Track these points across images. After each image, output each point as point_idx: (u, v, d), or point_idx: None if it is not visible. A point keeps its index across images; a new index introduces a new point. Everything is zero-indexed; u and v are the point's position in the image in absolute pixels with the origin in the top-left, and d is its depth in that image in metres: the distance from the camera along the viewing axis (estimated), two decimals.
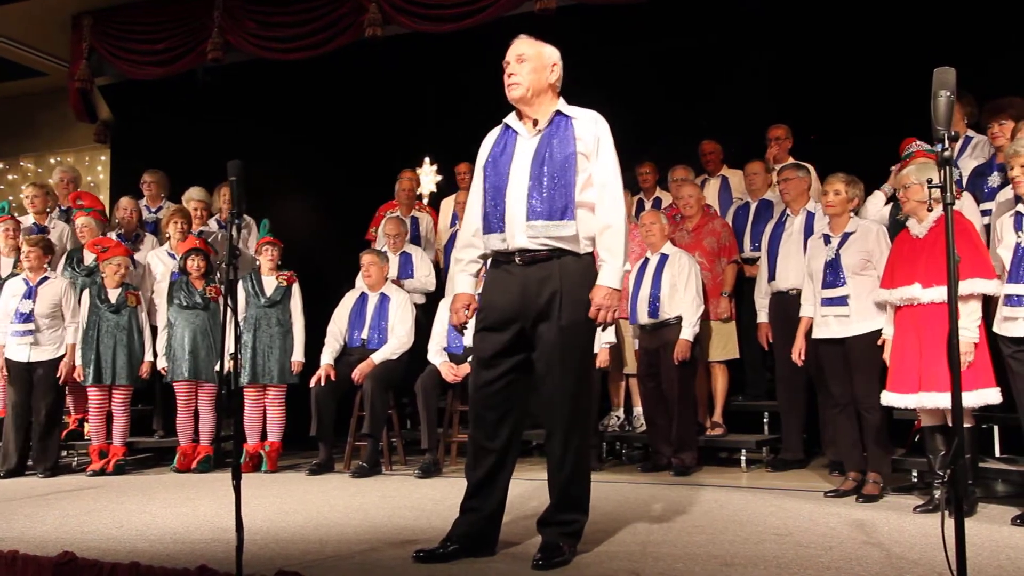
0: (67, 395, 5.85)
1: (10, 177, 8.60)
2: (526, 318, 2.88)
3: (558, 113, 2.94)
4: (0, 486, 5.02)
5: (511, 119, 3.02)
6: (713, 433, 5.30)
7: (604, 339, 5.26)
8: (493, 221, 2.92)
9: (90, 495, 4.57)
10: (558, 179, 2.83)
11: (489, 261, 3.06)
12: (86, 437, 5.98)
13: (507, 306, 2.90)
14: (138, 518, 3.83)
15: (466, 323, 3.04)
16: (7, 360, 5.42)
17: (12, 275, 5.68)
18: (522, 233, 2.86)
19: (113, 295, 5.52)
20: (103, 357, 5.43)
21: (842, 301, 4.09)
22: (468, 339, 5.09)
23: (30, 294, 5.41)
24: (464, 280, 3.08)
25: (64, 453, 5.82)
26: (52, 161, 8.24)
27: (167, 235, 6.04)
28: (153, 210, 6.63)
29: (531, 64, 2.91)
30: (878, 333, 3.97)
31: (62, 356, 5.47)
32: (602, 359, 5.25)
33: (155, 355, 5.59)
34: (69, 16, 7.09)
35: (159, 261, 6.01)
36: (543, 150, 2.88)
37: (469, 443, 3.03)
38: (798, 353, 4.33)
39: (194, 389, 5.53)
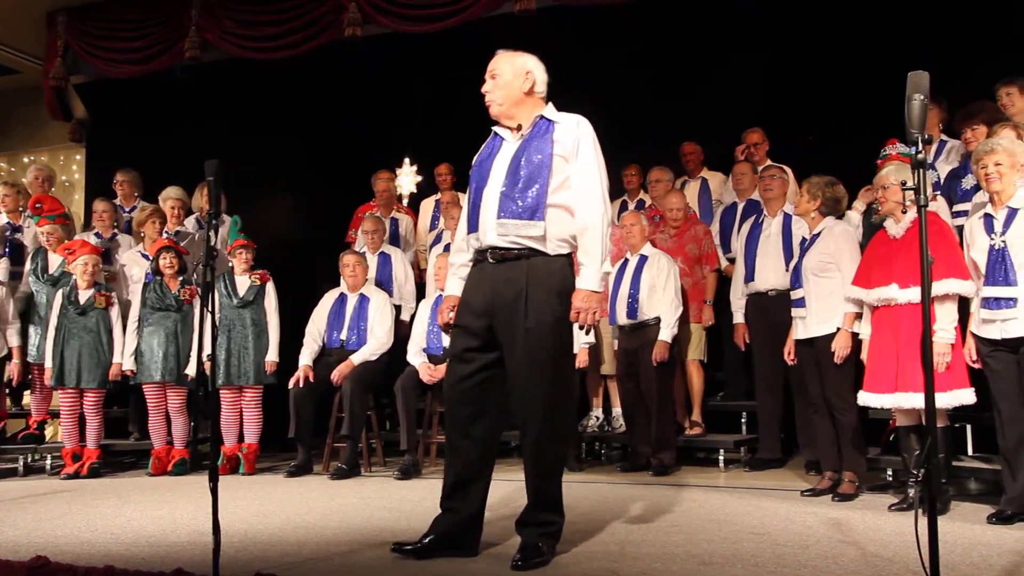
0: (31, 398, 5.77)
1: None
2: (494, 317, 2.92)
3: (541, 118, 2.98)
4: None
5: (498, 127, 3.08)
6: (692, 432, 5.33)
7: (583, 340, 5.28)
8: (473, 220, 3.00)
9: (64, 498, 4.51)
10: (532, 180, 2.87)
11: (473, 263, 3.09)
12: (48, 441, 5.91)
13: (478, 304, 2.95)
14: (113, 521, 3.79)
15: (450, 324, 3.08)
16: None
17: None
18: (492, 231, 2.91)
19: (83, 296, 5.44)
20: (68, 359, 5.36)
21: (801, 303, 4.20)
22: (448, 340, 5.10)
23: None
24: (453, 283, 3.14)
25: (30, 457, 5.74)
26: (26, 160, 8.14)
27: (141, 235, 5.97)
28: (127, 210, 6.55)
29: (502, 79, 2.99)
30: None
31: (4, 357, 5.40)
32: (581, 360, 5.28)
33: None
34: (44, 13, 7.01)
35: (134, 262, 5.94)
36: (521, 152, 2.93)
37: (445, 441, 3.05)
38: (788, 353, 4.37)
39: (164, 392, 5.47)
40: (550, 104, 3.05)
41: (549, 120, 2.97)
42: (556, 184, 2.89)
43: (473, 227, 2.99)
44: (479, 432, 2.94)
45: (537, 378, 2.85)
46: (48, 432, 6.18)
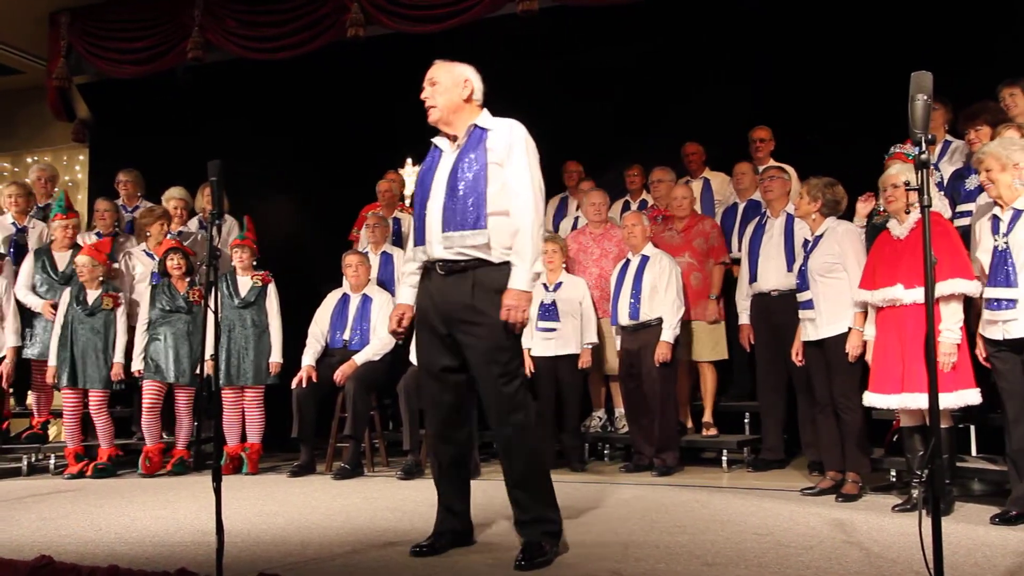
0: (34, 397, 5.77)
1: None
2: (448, 325, 2.98)
3: (476, 126, 3.04)
4: None
5: (438, 138, 3.15)
6: (709, 434, 5.33)
7: (586, 340, 5.28)
8: (419, 234, 3.06)
9: (67, 498, 4.52)
10: (470, 191, 2.94)
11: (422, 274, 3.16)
12: (51, 441, 5.92)
13: (432, 314, 3.02)
14: (117, 521, 3.79)
15: (401, 332, 3.17)
16: None
17: None
18: (439, 244, 2.97)
19: (91, 296, 5.45)
20: (76, 359, 5.36)
21: (809, 304, 4.19)
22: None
23: None
24: (403, 292, 3.23)
25: (34, 457, 5.74)
26: (29, 160, 8.15)
27: (147, 234, 5.97)
28: (130, 210, 6.55)
29: (442, 86, 3.05)
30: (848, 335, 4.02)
31: (1, 358, 5.36)
32: (584, 360, 5.28)
33: (129, 357, 5.49)
34: (46, 13, 7.02)
35: (138, 261, 5.94)
36: (458, 165, 2.99)
37: (430, 448, 3.21)
38: (795, 354, 4.37)
39: (164, 391, 5.45)
40: (485, 111, 3.10)
41: (483, 128, 3.03)
42: (494, 191, 2.95)
43: (419, 240, 3.06)
44: (458, 434, 3.08)
45: (495, 382, 2.92)
46: (52, 432, 6.19)
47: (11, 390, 5.91)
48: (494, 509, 3.66)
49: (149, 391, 5.43)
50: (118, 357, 5.44)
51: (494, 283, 2.93)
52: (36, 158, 8.05)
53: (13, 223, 6.12)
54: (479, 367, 2.95)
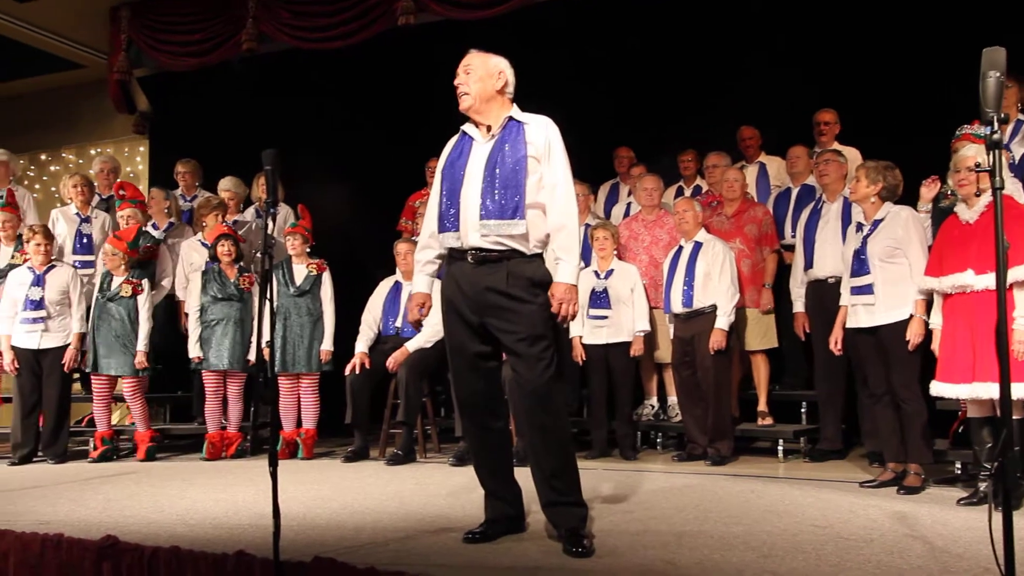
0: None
1: (52, 168, 8.79)
2: (480, 313, 2.97)
3: (510, 119, 3.02)
4: (45, 471, 5.16)
5: (467, 126, 3.12)
6: (764, 423, 5.25)
7: (638, 327, 5.23)
8: (448, 221, 3.03)
9: (131, 479, 4.66)
10: (509, 181, 2.92)
11: (446, 260, 3.14)
12: (115, 424, 6.10)
13: (461, 303, 3.00)
14: (178, 503, 3.90)
15: (421, 320, 3.20)
16: (15, 348, 5.45)
17: (12, 266, 5.73)
18: (475, 232, 2.95)
19: (115, 283, 5.52)
20: (99, 346, 5.45)
21: (868, 290, 4.05)
22: None
23: (39, 282, 5.44)
24: (421, 280, 3.23)
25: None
26: (92, 152, 8.39)
27: (204, 224, 6.09)
28: (188, 199, 6.70)
29: (477, 74, 3.02)
30: (907, 322, 3.90)
31: (69, 344, 5.51)
32: (636, 348, 5.23)
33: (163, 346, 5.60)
34: (107, 8, 7.21)
35: (192, 250, 6.07)
36: (496, 154, 2.97)
37: (467, 435, 3.20)
38: (835, 342, 4.26)
39: (222, 378, 5.57)
40: (515, 105, 3.08)
41: (519, 122, 3.01)
42: (532, 185, 2.94)
43: (448, 227, 3.01)
44: (495, 421, 3.08)
45: (526, 371, 2.90)
46: (115, 416, 6.39)
47: (77, 375, 6.10)
48: (530, 495, 3.65)
49: (208, 380, 5.56)
50: (140, 345, 5.45)
51: (527, 272, 2.93)
52: (99, 150, 8.29)
53: (77, 213, 6.31)
54: (513, 355, 2.94)
